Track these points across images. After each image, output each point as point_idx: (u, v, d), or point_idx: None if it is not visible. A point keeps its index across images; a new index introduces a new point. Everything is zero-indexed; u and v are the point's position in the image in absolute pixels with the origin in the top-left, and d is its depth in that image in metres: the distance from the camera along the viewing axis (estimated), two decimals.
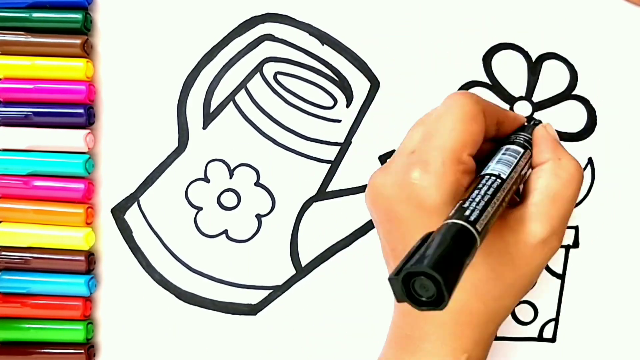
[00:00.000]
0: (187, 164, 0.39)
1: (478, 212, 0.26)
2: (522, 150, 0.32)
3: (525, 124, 0.36)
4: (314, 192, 0.39)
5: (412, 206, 0.29)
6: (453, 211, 0.26)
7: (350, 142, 0.39)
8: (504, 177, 0.29)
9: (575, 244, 0.38)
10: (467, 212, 0.26)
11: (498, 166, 0.30)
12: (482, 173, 0.30)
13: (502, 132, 0.34)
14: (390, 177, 0.31)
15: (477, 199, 0.27)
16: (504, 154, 0.32)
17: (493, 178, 0.29)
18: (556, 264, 0.38)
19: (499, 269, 0.29)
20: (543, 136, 0.33)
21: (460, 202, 0.27)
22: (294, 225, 0.39)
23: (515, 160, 0.31)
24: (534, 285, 0.32)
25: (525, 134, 0.34)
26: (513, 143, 0.33)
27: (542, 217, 0.30)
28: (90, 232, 0.38)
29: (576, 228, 0.38)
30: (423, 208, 0.29)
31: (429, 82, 0.38)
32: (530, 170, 0.32)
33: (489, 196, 0.27)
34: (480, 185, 0.28)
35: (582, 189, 0.38)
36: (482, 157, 0.32)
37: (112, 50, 0.39)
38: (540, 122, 0.36)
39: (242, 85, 0.38)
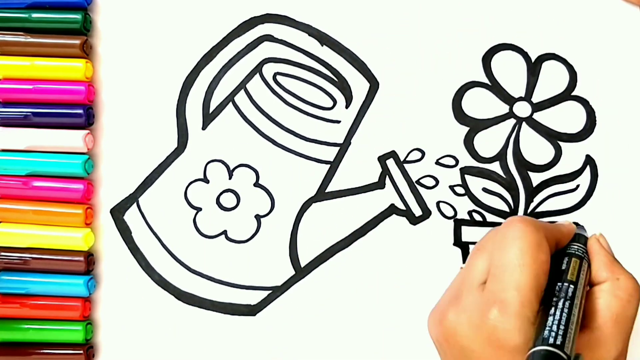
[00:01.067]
0: (186, 165, 0.39)
1: (561, 335, 0.26)
2: (585, 266, 0.32)
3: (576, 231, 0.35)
4: (313, 193, 0.39)
5: (492, 347, 0.29)
6: (535, 337, 0.27)
7: (350, 143, 0.39)
8: (573, 295, 0.29)
9: None
10: (551, 336, 0.26)
11: (565, 285, 0.30)
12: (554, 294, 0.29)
13: (559, 247, 0.33)
14: (464, 316, 0.30)
15: (556, 321, 0.27)
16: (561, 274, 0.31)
17: (563, 298, 0.29)
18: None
19: None
20: (598, 252, 0.33)
21: (539, 326, 0.27)
22: (293, 225, 0.39)
23: (582, 276, 0.31)
24: None
25: (579, 245, 0.33)
26: (573, 255, 0.32)
27: (608, 342, 0.29)
28: (89, 233, 0.38)
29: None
30: (505, 349, 0.28)
31: (429, 83, 0.38)
32: (589, 287, 0.32)
33: (565, 316, 0.28)
34: (555, 307, 0.28)
35: (582, 189, 0.38)
36: None
37: (111, 51, 0.39)
38: (582, 227, 0.36)
39: (242, 85, 0.38)
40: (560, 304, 0.29)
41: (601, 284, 0.31)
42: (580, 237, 0.34)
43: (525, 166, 0.38)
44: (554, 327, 0.27)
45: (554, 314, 0.28)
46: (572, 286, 0.30)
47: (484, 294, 0.30)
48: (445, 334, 0.30)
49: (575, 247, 0.33)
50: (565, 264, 0.31)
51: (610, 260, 0.32)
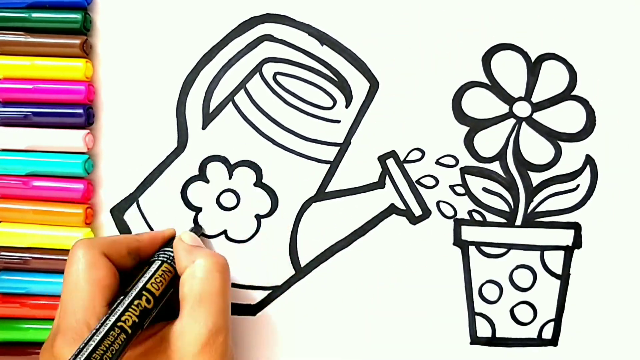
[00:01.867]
0: (186, 164, 0.39)
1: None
2: (153, 269, 0.33)
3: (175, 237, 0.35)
4: (313, 193, 0.39)
5: None
6: None
7: (350, 143, 0.39)
8: (120, 312, 0.30)
9: (576, 244, 0.38)
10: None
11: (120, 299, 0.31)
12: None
13: (145, 254, 0.35)
14: (45, 354, 0.31)
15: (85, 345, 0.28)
16: (134, 286, 0.32)
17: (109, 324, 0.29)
18: (555, 265, 0.38)
19: None
20: (177, 246, 0.33)
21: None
22: (294, 225, 0.39)
23: (140, 285, 0.31)
24: None
25: (167, 249, 0.35)
26: (148, 263, 0.34)
27: (194, 323, 0.30)
28: (89, 233, 0.38)
29: (578, 228, 0.38)
30: None
31: (429, 82, 0.38)
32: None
33: (100, 336, 0.28)
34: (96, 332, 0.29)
35: (582, 189, 0.38)
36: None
37: (111, 51, 0.39)
38: (198, 228, 0.38)
39: (242, 85, 0.38)
40: (99, 326, 0.29)
41: (183, 273, 0.32)
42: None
43: (525, 166, 0.38)
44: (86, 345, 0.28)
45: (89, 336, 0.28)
46: (122, 297, 0.31)
47: (54, 325, 0.31)
48: None
49: (161, 252, 0.34)
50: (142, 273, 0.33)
51: (189, 249, 0.33)
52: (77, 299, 0.31)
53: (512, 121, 0.38)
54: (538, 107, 0.38)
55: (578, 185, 0.38)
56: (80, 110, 0.37)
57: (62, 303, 0.31)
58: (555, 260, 0.38)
